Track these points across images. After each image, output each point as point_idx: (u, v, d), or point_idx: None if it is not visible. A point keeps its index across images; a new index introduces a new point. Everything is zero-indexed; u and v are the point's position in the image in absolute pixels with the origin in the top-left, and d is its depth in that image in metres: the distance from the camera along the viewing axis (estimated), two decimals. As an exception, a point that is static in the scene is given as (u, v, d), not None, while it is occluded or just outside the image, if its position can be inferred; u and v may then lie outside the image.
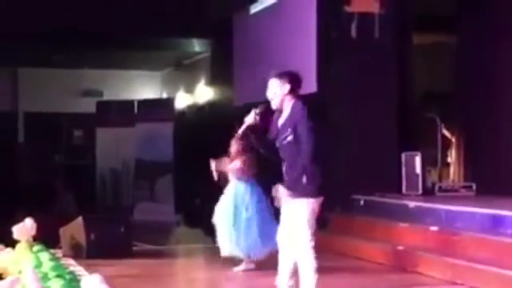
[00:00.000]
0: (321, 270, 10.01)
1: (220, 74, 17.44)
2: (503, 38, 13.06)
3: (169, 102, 18.28)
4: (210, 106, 18.28)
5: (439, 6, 13.82)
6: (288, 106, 7.06)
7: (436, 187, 12.55)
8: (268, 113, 7.19)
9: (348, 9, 12.68)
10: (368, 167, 12.48)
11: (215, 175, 10.05)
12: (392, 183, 12.49)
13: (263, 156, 7.52)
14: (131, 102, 17.77)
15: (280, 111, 7.12)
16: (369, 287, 9.18)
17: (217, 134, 16.74)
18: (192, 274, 10.39)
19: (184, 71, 20.34)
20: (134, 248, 11.63)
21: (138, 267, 10.40)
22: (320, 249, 11.45)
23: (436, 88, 15.12)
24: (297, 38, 13.39)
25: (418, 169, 12.33)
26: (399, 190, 12.42)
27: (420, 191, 12.23)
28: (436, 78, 15.20)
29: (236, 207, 9.86)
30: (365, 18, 12.78)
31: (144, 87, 21.54)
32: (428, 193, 12.28)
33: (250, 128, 7.15)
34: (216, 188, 10.29)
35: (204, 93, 18.68)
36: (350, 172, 12.48)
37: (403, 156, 12.53)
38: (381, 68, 12.88)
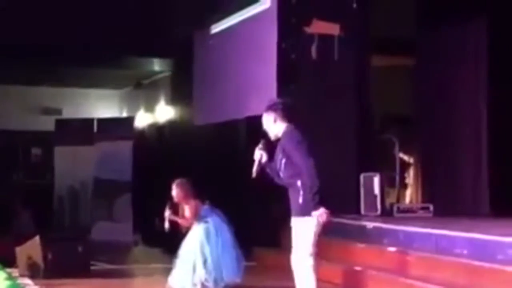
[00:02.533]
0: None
1: (180, 93, 17.43)
2: (460, 61, 13.25)
3: (129, 121, 18.19)
4: (170, 125, 18.25)
5: (398, 29, 13.97)
6: (281, 133, 7.46)
7: (394, 208, 12.65)
8: (271, 145, 7.56)
9: (308, 30, 12.76)
10: (327, 188, 12.48)
11: (166, 225, 10.01)
12: (350, 204, 12.56)
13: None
14: (90, 121, 17.65)
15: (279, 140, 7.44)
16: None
17: (177, 153, 16.81)
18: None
19: (144, 90, 20.30)
20: (92, 267, 11.56)
21: (96, 287, 10.33)
22: (276, 268, 11.59)
23: (395, 111, 15.26)
24: (257, 58, 13.44)
25: (377, 190, 12.42)
26: (357, 211, 12.49)
27: (379, 212, 12.32)
28: (395, 100, 15.34)
29: (206, 244, 9.91)
30: (325, 40, 12.87)
31: (104, 106, 21.44)
32: (386, 214, 12.37)
33: (260, 163, 7.54)
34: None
35: (164, 112, 18.65)
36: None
37: (361, 177, 12.62)
38: (340, 90, 12.97)
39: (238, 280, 9.95)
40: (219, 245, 9.93)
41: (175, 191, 9.98)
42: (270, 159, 7.51)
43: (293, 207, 7.34)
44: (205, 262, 9.80)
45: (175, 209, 10.09)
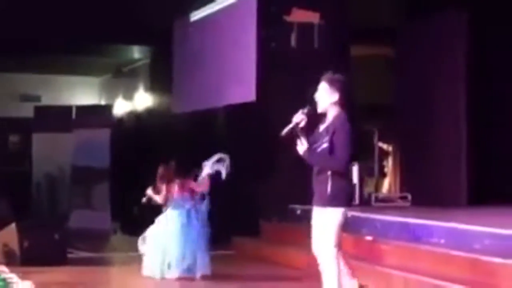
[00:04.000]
0: (255, 278, 10.12)
1: (159, 81, 17.38)
2: (440, 51, 13.27)
3: (108, 108, 18.12)
4: (149, 113, 18.19)
5: (378, 19, 13.97)
6: (331, 114, 7.01)
7: (373, 197, 12.67)
8: (314, 115, 7.10)
9: (288, 19, 12.74)
10: (306, 177, 12.51)
11: (144, 199, 10.10)
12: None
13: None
14: (69, 108, 17.55)
15: (324, 115, 7.05)
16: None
17: (155, 141, 16.75)
18: (127, 282, 10.32)
19: (123, 77, 20.21)
20: (69, 255, 11.51)
21: (72, 275, 10.30)
22: (255, 258, 11.60)
23: (375, 100, 15.27)
24: (237, 47, 13.40)
25: (355, 179, 12.43)
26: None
27: (357, 201, 12.33)
28: (375, 90, 15.35)
29: (183, 229, 10.03)
30: (304, 28, 12.85)
31: (82, 93, 21.34)
32: (365, 203, 12.40)
33: (296, 127, 7.01)
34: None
35: (143, 100, 18.58)
36: (288, 182, 12.53)
37: (340, 166, 12.59)
38: (320, 78, 12.93)
39: (207, 271, 9.98)
40: (192, 234, 9.96)
41: (161, 173, 10.20)
42: (307, 129, 7.06)
43: (319, 196, 6.97)
44: (177, 249, 9.84)
45: (157, 191, 10.23)
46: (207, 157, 14.73)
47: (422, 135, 13.61)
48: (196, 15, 15.01)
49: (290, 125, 7.03)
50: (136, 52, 18.27)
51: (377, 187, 14.40)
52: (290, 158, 12.51)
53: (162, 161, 10.40)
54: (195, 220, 10.09)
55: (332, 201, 6.85)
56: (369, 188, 13.67)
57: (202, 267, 9.96)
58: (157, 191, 10.21)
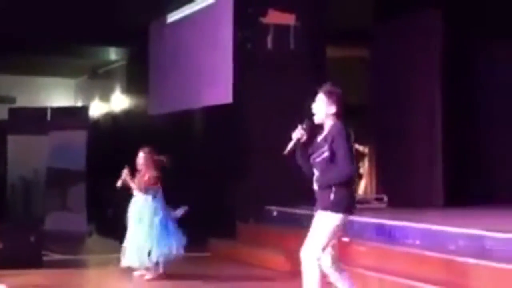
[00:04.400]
0: (231, 279, 10.12)
1: (136, 82, 17.35)
2: (415, 53, 13.32)
3: (83, 110, 18.05)
4: (125, 114, 18.15)
5: (353, 20, 14.01)
6: (328, 124, 7.05)
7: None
8: (313, 128, 7.16)
9: (264, 20, 12.75)
10: (282, 178, 12.54)
11: (119, 183, 10.11)
12: (305, 194, 12.54)
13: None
14: (44, 110, 17.46)
15: (321, 127, 7.10)
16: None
17: (132, 143, 16.69)
18: (103, 284, 10.28)
19: (99, 79, 20.15)
20: (45, 258, 11.44)
21: (48, 277, 10.24)
22: (232, 260, 11.59)
23: (350, 102, 15.26)
24: (213, 48, 13.40)
25: (331, 180, 12.42)
26: (312, 201, 12.49)
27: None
28: (350, 91, 15.33)
29: (142, 221, 10.02)
30: (281, 29, 12.87)
31: (58, 95, 21.26)
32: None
33: (298, 142, 7.09)
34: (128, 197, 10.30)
35: (119, 101, 18.53)
36: (264, 183, 12.55)
37: (316, 167, 12.61)
38: (296, 80, 12.98)
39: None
40: (163, 224, 9.99)
41: (141, 158, 10.23)
42: (308, 142, 7.12)
43: (322, 202, 7.03)
44: (151, 239, 9.87)
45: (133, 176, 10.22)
46: (184, 158, 14.78)
47: (398, 136, 13.66)
48: (173, 17, 15.00)
49: (292, 142, 7.12)
50: (113, 54, 18.22)
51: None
52: (266, 160, 12.62)
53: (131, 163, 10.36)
54: (166, 213, 10.12)
55: (333, 207, 6.91)
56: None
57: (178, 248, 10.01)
58: (133, 177, 10.20)
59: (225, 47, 12.92)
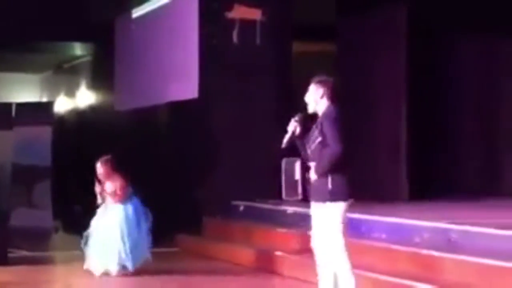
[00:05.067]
0: (198, 274, 10.13)
1: (101, 78, 17.26)
2: (380, 48, 13.38)
3: (49, 105, 17.88)
4: (91, 110, 18.05)
5: (319, 16, 14.04)
6: (321, 111, 7.13)
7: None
8: (307, 119, 7.23)
9: (229, 15, 12.74)
10: (249, 173, 12.58)
11: (99, 198, 10.07)
12: (272, 189, 12.58)
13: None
14: (9, 105, 17.26)
15: (317, 116, 7.17)
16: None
17: (97, 138, 16.63)
18: (69, 281, 10.23)
19: (65, 74, 20.01)
20: (10, 254, 11.37)
21: (14, 274, 10.20)
22: (199, 255, 11.60)
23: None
24: (179, 43, 13.37)
25: (298, 175, 12.43)
26: (279, 196, 12.50)
27: (300, 197, 12.34)
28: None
29: (128, 227, 10.03)
30: (246, 24, 12.87)
31: (23, 90, 21.06)
32: (308, 199, 12.41)
33: (293, 135, 7.18)
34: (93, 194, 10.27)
35: (85, 97, 18.43)
36: (231, 178, 12.56)
37: (283, 162, 12.61)
38: (261, 75, 12.99)
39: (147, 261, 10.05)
40: (137, 227, 9.97)
41: (100, 169, 10.12)
42: (303, 134, 7.18)
43: (319, 192, 7.08)
44: (124, 243, 9.84)
45: (103, 187, 10.18)
46: (150, 153, 14.75)
47: (363, 130, 13.71)
48: (138, 12, 14.93)
49: (287, 136, 7.22)
50: (78, 49, 18.11)
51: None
52: (233, 155, 12.64)
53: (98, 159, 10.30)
54: (139, 213, 10.09)
55: (333, 196, 6.94)
56: (311, 184, 13.70)
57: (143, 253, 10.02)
58: (103, 187, 10.16)
59: (191, 42, 12.89)
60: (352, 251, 9.02)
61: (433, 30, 13.38)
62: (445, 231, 8.48)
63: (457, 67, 13.91)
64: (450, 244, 8.30)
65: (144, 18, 14.74)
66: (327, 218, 6.97)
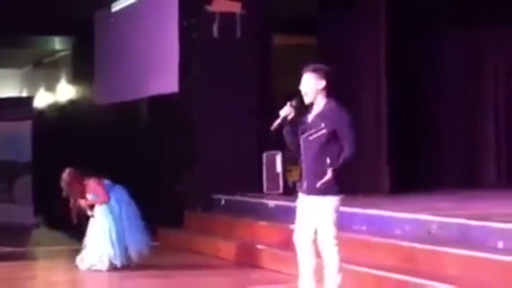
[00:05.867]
0: (180, 268, 10.12)
1: (81, 72, 17.20)
2: (360, 41, 13.39)
3: (29, 100, 17.86)
4: (71, 105, 18.00)
5: (300, 9, 14.03)
6: (321, 102, 6.95)
7: (297, 185, 12.71)
8: (301, 107, 7.03)
9: (209, 8, 12.72)
10: (230, 166, 12.57)
11: (75, 219, 10.01)
12: (253, 182, 12.60)
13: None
14: (-12, 100, 17.27)
15: (311, 106, 6.99)
16: (227, 284, 9.26)
17: (78, 133, 16.59)
18: (52, 277, 10.21)
19: (44, 69, 19.93)
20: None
21: (-6, 270, 10.16)
22: (180, 249, 11.59)
23: (297, 90, 15.32)
24: (159, 37, 13.34)
25: (279, 168, 12.49)
26: (260, 189, 12.54)
27: (281, 190, 12.39)
28: (297, 79, 15.39)
29: (109, 219, 9.98)
30: (226, 17, 12.85)
31: (3, 85, 20.96)
32: (289, 192, 12.44)
33: (285, 120, 6.94)
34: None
35: (65, 91, 18.37)
36: (212, 172, 12.55)
37: (264, 155, 12.67)
38: (242, 68, 12.97)
39: (145, 253, 10.05)
40: (123, 219, 9.94)
41: (65, 181, 9.95)
42: (296, 120, 6.99)
43: (315, 184, 6.85)
44: (110, 238, 9.82)
45: (82, 197, 10.04)
46: (131, 147, 14.73)
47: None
48: (117, 6, 14.89)
49: (279, 119, 6.97)
50: (57, 43, 18.04)
51: (301, 176, 14.44)
52: (214, 148, 12.63)
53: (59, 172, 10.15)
54: (124, 206, 10.06)
55: (330, 189, 6.83)
56: (293, 177, 13.71)
57: (138, 251, 10.01)
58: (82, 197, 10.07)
59: (171, 36, 12.87)
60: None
61: (413, 22, 13.40)
62: (424, 222, 8.52)
63: (438, 60, 13.94)
64: (430, 236, 8.35)
65: (123, 12, 14.70)
66: (322, 211, 6.88)
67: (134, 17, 14.28)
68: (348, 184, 11.77)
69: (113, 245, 9.87)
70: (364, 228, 9.21)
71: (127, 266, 9.95)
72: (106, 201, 9.98)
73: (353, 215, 9.47)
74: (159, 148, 13.91)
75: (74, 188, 9.97)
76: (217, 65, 12.70)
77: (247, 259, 10.19)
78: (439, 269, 7.70)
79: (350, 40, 13.60)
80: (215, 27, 12.81)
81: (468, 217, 8.30)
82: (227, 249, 10.71)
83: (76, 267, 10.00)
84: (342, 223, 9.41)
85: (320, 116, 6.87)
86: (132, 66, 14.31)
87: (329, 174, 6.74)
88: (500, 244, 7.61)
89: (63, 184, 9.97)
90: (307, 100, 6.98)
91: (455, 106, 14.11)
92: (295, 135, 6.99)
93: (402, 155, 13.34)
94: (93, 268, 9.92)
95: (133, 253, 10.02)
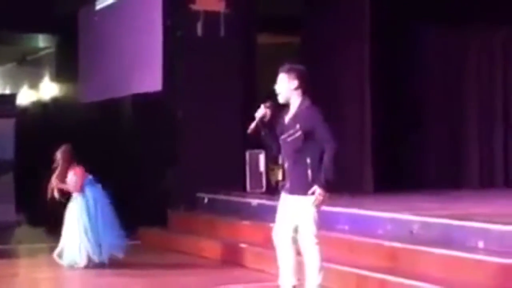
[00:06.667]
0: (162, 267, 10.10)
1: (65, 70, 17.15)
2: (344, 40, 13.42)
3: (11, 98, 17.80)
4: (55, 103, 17.95)
5: (284, 8, 14.05)
6: (295, 102, 7.01)
7: (280, 185, 12.73)
8: (276, 108, 7.10)
9: (193, 7, 12.72)
10: (213, 165, 12.56)
11: (55, 193, 10.01)
12: (236, 181, 12.61)
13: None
14: (-29, 98, 17.21)
15: (287, 106, 7.04)
16: (209, 284, 9.25)
17: (61, 131, 16.52)
18: (34, 274, 10.19)
19: (28, 66, 19.86)
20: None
21: (-25, 268, 10.11)
22: (162, 248, 11.58)
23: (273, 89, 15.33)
24: (143, 35, 13.31)
25: (262, 167, 12.51)
26: (244, 188, 12.55)
27: (264, 189, 12.40)
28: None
29: (89, 214, 9.97)
30: (210, 16, 12.85)
31: (-15, 82, 20.93)
32: (272, 190, 12.46)
33: (261, 122, 7.00)
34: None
35: (48, 89, 18.32)
36: (195, 170, 12.55)
37: (247, 154, 12.67)
38: (226, 67, 12.97)
39: (119, 255, 9.96)
40: (98, 218, 9.94)
41: (59, 157, 10.06)
42: (272, 122, 7.08)
43: (297, 184, 6.94)
44: (86, 235, 9.82)
45: (61, 178, 10.07)
46: (114, 145, 14.69)
47: (327, 122, 13.73)
48: (101, 3, 14.84)
49: (255, 121, 7.03)
50: (41, 41, 17.98)
51: (284, 175, 14.46)
52: (197, 147, 12.62)
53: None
54: (100, 204, 10.05)
55: (309, 189, 6.86)
56: (275, 176, 13.73)
57: (112, 250, 9.98)
58: (62, 179, 10.08)
59: (155, 34, 12.85)
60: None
61: (397, 20, 13.43)
62: (407, 222, 8.55)
63: (422, 57, 14.00)
64: (412, 236, 8.38)
65: (107, 10, 14.66)
66: (303, 210, 6.92)
67: (118, 15, 14.24)
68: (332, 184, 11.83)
69: (89, 241, 9.88)
70: (346, 227, 9.22)
71: (101, 264, 9.94)
72: (75, 192, 10.00)
73: (336, 214, 9.48)
74: (142, 146, 13.89)
75: (60, 165, 10.05)
76: (201, 64, 12.70)
77: (230, 258, 10.19)
78: (420, 269, 7.72)
79: (333, 39, 13.63)
80: (199, 25, 12.81)
81: (450, 217, 8.34)
82: (210, 248, 10.71)
83: (57, 263, 9.98)
84: (325, 222, 9.50)
85: (295, 117, 6.95)
86: (116, 64, 14.28)
87: (319, 192, 6.81)
88: (481, 244, 7.66)
89: (56, 155, 10.09)
90: (281, 99, 7.05)
91: (439, 106, 14.17)
92: (274, 137, 7.06)
93: (386, 154, 13.38)
94: (76, 266, 9.92)
95: (106, 253, 10.00)
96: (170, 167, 12.96)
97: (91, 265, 9.90)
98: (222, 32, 13.00)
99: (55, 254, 10.06)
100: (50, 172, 10.18)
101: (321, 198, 6.85)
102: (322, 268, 6.95)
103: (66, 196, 10.17)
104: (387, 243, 8.30)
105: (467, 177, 13.97)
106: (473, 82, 14.25)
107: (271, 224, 9.92)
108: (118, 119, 15.09)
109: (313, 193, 6.84)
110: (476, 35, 14.05)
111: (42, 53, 18.82)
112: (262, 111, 7.02)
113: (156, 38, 12.80)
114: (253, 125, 7.03)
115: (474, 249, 7.59)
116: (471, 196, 11.92)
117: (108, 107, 14.97)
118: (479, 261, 7.26)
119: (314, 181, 6.84)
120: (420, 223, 8.44)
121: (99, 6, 14.90)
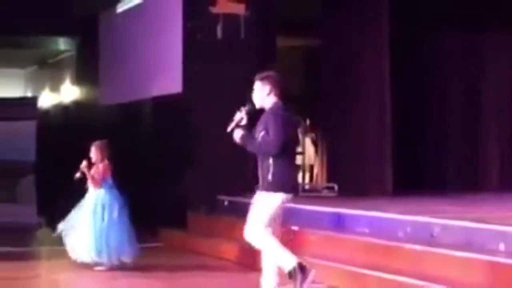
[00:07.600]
0: (183, 269, 10.11)
1: (86, 73, 17.23)
2: (363, 42, 13.42)
3: (32, 100, 17.91)
4: (76, 105, 18.02)
5: (303, 10, 14.05)
6: (268, 106, 7.43)
7: (300, 188, 12.74)
8: (254, 113, 7.53)
9: (213, 10, 12.74)
10: (233, 167, 12.57)
11: (77, 174, 10.06)
12: (257, 184, 12.57)
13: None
14: (-7, 100, 17.31)
15: (264, 111, 7.46)
16: (229, 286, 9.26)
17: (82, 133, 16.58)
18: (53, 276, 10.22)
19: (49, 69, 19.96)
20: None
21: (-3, 270, 10.17)
22: (182, 250, 11.59)
23: (301, 91, 15.37)
24: (163, 38, 13.37)
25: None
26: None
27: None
28: (300, 80, 15.46)
29: (96, 213, 9.99)
30: (230, 19, 12.87)
31: (7, 85, 21.01)
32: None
33: (239, 125, 7.46)
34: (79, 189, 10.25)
35: (69, 92, 18.40)
36: (216, 173, 12.56)
37: (268, 156, 12.63)
38: (245, 69, 12.96)
39: (127, 260, 10.02)
40: (105, 221, 9.95)
41: (93, 152, 10.16)
42: (249, 126, 7.50)
43: (262, 182, 7.42)
44: (93, 234, 9.86)
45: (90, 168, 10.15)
46: (135, 148, 14.72)
47: (348, 125, 13.75)
48: (122, 6, 14.91)
49: (232, 124, 7.51)
50: (62, 44, 18.07)
51: (304, 178, 14.48)
52: (217, 149, 12.62)
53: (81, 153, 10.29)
54: (111, 207, 10.08)
55: (272, 187, 7.29)
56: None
57: (120, 254, 10.00)
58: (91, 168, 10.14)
59: (175, 37, 12.90)
60: (336, 245, 9.12)
61: (416, 24, 13.42)
62: (428, 225, 8.51)
63: (442, 61, 13.98)
64: (432, 239, 8.34)
65: (128, 12, 14.73)
66: (260, 205, 7.38)
67: (138, 18, 14.30)
68: (353, 187, 11.86)
69: (94, 240, 9.92)
70: (366, 230, 9.20)
71: (121, 266, 9.98)
72: (94, 186, 10.05)
73: (356, 217, 9.48)
74: (162, 148, 13.92)
75: (95, 154, 10.15)
76: (221, 67, 12.72)
77: (250, 261, 10.16)
78: (441, 272, 7.69)
79: (353, 40, 13.63)
80: (219, 28, 12.82)
81: (470, 220, 8.30)
82: (230, 250, 10.71)
83: (77, 263, 10.03)
84: (346, 224, 9.50)
85: (261, 120, 7.40)
86: (136, 67, 14.33)
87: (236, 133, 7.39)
88: (502, 247, 7.62)
89: (94, 145, 10.20)
90: (257, 105, 7.50)
91: (458, 108, 14.13)
92: (252, 138, 7.42)
93: (405, 157, 13.37)
94: (96, 268, 9.96)
95: (115, 256, 10.02)
96: (190, 169, 12.98)
97: (107, 267, 9.94)
98: (242, 35, 13.01)
99: (58, 230, 10.12)
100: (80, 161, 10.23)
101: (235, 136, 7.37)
102: (283, 259, 7.32)
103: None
104: (407, 246, 8.27)
105: (487, 179, 13.92)
106: (493, 85, 14.20)
107: (293, 227, 10.00)
108: (138, 121, 15.13)
109: (270, 190, 7.29)
110: (494, 39, 14.01)
111: (63, 56, 18.92)
112: (239, 115, 7.50)
113: (176, 40, 12.85)
114: (230, 127, 7.54)
115: (495, 252, 7.56)
116: (491, 199, 11.87)
117: (128, 109, 15.02)
118: (500, 264, 7.22)
119: (275, 182, 7.22)
120: (440, 225, 8.40)
121: (120, 9, 14.98)
